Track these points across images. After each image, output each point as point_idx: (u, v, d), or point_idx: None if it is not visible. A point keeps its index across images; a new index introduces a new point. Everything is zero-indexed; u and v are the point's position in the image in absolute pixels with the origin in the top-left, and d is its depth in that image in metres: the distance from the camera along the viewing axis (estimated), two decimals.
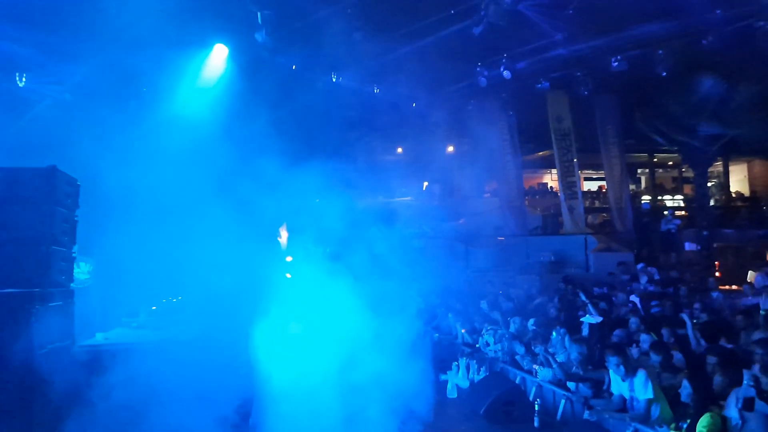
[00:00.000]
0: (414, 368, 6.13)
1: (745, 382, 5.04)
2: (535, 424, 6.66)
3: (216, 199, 8.86)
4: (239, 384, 4.80)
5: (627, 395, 6.01)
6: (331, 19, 9.54)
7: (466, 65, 11.93)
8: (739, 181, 22.31)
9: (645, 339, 7.06)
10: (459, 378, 8.31)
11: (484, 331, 9.22)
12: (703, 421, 5.03)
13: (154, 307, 5.33)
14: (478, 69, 11.99)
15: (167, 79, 8.20)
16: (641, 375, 5.88)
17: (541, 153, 18.86)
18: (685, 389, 5.48)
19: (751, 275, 12.98)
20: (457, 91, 13.26)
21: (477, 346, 9.11)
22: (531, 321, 8.88)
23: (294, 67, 10.33)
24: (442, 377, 8.36)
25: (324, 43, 9.76)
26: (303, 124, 10.89)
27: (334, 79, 10.81)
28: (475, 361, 8.44)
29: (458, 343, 9.80)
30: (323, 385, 5.26)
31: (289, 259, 14.07)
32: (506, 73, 11.60)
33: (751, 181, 21.92)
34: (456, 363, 8.52)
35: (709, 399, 5.26)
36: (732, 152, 18.90)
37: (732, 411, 4.99)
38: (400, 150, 17.39)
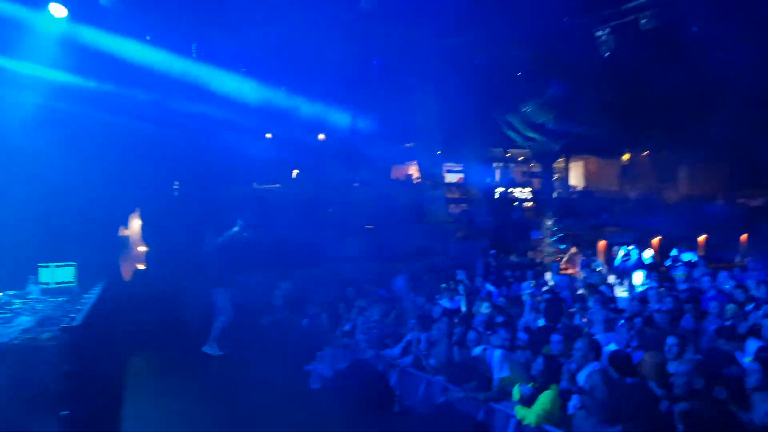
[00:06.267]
0: None
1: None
2: (395, 409, 6.84)
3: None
4: None
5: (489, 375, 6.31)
6: None
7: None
8: (577, 176, 25.67)
9: (499, 320, 7.53)
10: (323, 367, 8.26)
11: (350, 318, 9.27)
12: (546, 396, 5.44)
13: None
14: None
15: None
16: (497, 354, 6.20)
17: (408, 144, 19.47)
18: (537, 365, 5.88)
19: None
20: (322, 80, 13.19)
21: (341, 334, 9.13)
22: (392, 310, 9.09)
23: (148, 37, 9.49)
24: (306, 368, 8.26)
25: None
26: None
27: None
28: (339, 349, 8.45)
29: (323, 332, 9.75)
30: None
31: (143, 249, 12.93)
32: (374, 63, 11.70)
33: (586, 176, 25.27)
34: (320, 352, 8.47)
35: (554, 375, 5.72)
36: (572, 151, 21.42)
37: None
38: (269, 135, 16.89)
